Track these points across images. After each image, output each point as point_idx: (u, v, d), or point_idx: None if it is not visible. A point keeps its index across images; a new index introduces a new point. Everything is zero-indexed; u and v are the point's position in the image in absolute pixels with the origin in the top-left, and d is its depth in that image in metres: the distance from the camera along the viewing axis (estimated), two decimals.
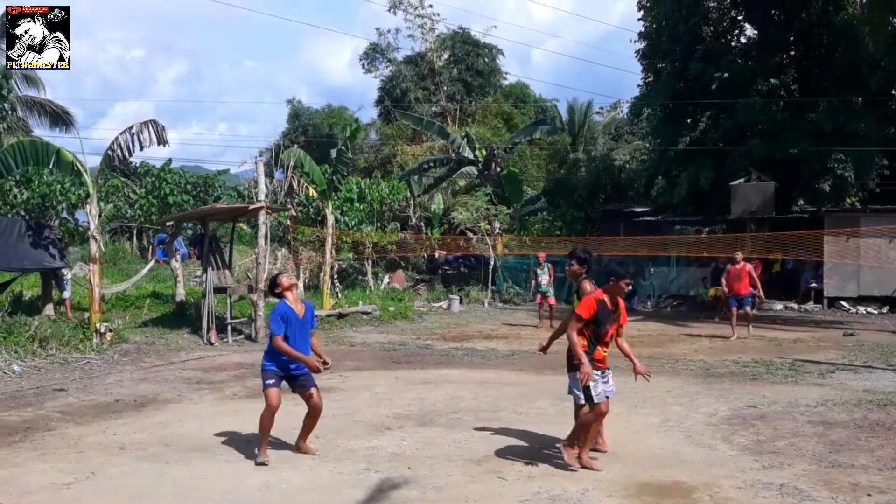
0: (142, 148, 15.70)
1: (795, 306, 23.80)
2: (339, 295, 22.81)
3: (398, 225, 29.94)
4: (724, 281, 17.87)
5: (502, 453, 7.48)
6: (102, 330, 14.91)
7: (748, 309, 17.34)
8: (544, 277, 19.82)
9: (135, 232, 37.39)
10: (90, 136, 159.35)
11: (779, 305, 23.85)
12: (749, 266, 17.56)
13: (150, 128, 15.73)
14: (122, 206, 28.39)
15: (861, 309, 22.65)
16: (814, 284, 23.91)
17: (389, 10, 42.84)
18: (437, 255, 30.09)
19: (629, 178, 31.84)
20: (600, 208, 30.60)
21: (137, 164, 42.68)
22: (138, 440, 8.15)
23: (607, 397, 7.03)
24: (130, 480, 6.78)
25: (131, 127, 15.85)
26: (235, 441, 8.01)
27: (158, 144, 15.78)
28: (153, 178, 21.82)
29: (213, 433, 8.33)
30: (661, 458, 7.42)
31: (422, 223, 32.65)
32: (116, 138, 15.77)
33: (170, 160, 36.59)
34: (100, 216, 17.17)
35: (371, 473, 6.91)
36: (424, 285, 28.11)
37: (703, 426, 8.68)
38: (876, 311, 22.39)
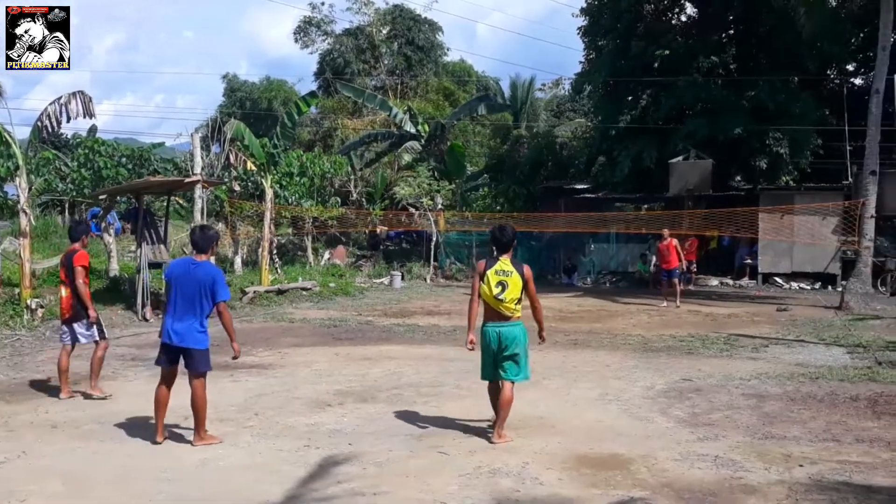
0: (69, 119, 15.31)
1: (730, 282, 24.32)
2: (279, 271, 22.55)
3: (339, 200, 29.66)
4: (654, 257, 19.67)
5: (444, 428, 7.47)
6: (33, 306, 14.49)
7: (675, 281, 18.88)
8: None
9: (67, 206, 36.34)
10: (20, 106, 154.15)
11: (714, 281, 24.35)
12: (675, 242, 19.19)
13: (79, 99, 15.31)
14: (54, 180, 27.50)
15: (794, 285, 23.28)
16: (748, 261, 24.45)
17: None
18: (378, 230, 29.93)
19: (571, 155, 32.02)
20: (542, 185, 30.71)
21: (69, 137, 41.51)
22: (72, 418, 7.93)
23: None
24: (64, 459, 6.58)
25: (60, 97, 15.44)
26: (172, 418, 7.83)
27: (85, 117, 15.41)
28: (86, 151, 21.10)
29: (149, 411, 8.11)
30: (600, 430, 7.50)
31: (363, 198, 32.39)
32: (46, 109, 15.36)
33: (94, 127, 35.64)
34: (30, 189, 16.61)
35: (311, 450, 6.84)
36: (366, 261, 27.95)
37: (641, 399, 8.81)
38: (808, 287, 23.03)
